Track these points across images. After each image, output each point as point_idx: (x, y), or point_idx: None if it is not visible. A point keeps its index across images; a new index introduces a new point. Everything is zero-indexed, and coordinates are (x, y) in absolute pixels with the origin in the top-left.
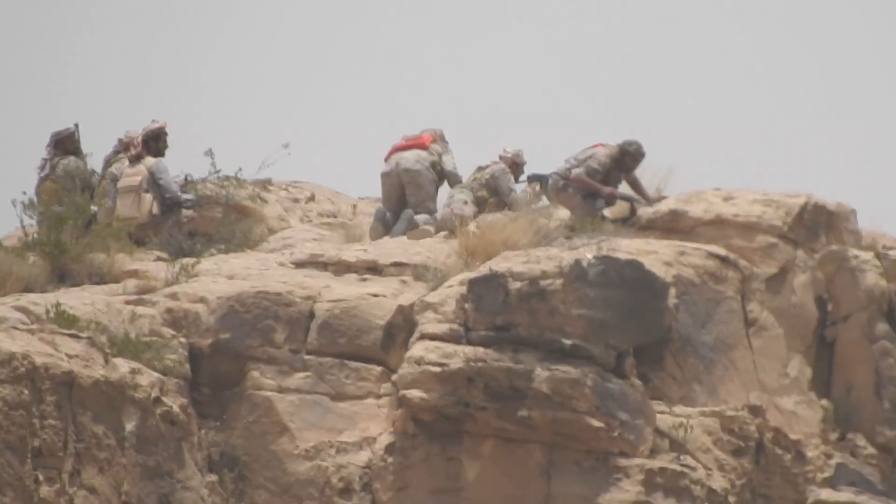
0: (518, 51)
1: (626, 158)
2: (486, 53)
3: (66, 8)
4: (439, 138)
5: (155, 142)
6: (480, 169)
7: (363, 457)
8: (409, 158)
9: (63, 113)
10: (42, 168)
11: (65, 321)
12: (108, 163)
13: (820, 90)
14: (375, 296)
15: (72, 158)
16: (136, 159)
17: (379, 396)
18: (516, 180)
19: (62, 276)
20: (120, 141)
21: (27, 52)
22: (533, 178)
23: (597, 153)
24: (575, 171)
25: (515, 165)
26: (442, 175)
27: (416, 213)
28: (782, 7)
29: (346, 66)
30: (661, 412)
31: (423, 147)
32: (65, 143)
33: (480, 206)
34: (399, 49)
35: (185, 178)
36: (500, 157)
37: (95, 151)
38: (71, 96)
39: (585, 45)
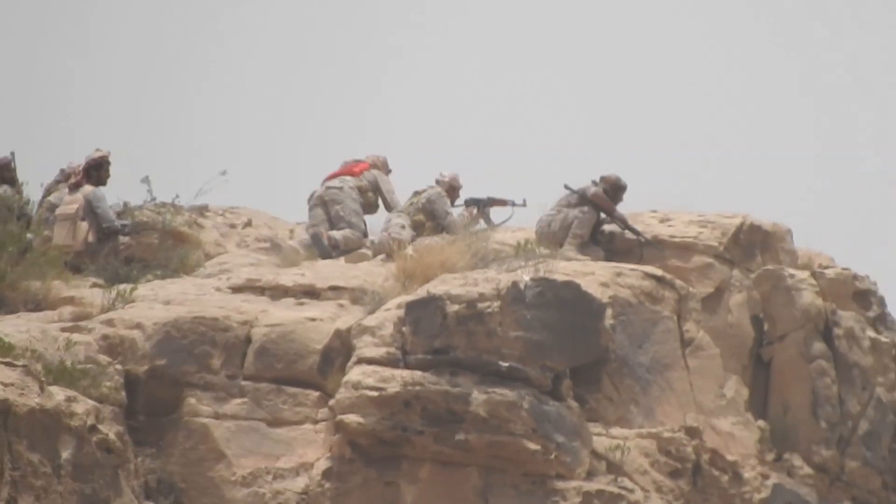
0: (458, 75)
1: (620, 194)
2: (425, 80)
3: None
4: (381, 165)
5: (97, 170)
6: (417, 193)
7: (300, 482)
8: (335, 182)
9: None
10: None
11: (0, 349)
12: (48, 191)
13: (754, 112)
14: (313, 320)
15: (5, 187)
16: (75, 188)
17: (316, 421)
18: (453, 204)
19: None
20: (62, 171)
21: None
22: (470, 203)
23: (590, 188)
24: (592, 190)
25: (452, 189)
26: (373, 202)
27: (339, 228)
28: (714, 30)
29: (280, 92)
30: (598, 434)
31: (352, 174)
32: (1, 172)
33: (418, 230)
34: (336, 75)
35: (124, 206)
36: (437, 182)
37: (34, 180)
38: (10, 125)
39: (522, 68)
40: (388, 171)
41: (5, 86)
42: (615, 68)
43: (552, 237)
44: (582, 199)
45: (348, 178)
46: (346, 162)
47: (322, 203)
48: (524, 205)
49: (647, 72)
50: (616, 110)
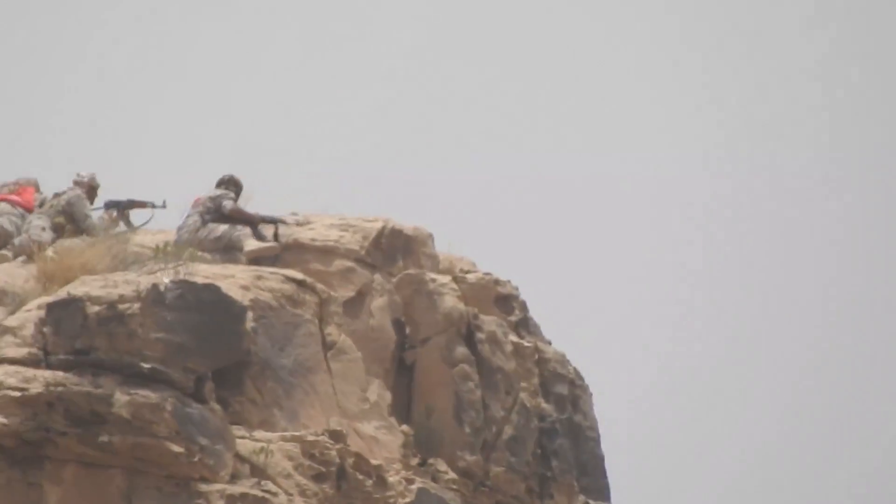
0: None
1: (238, 191)
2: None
3: None
4: (36, 187)
5: None
6: (57, 195)
7: None
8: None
9: None
10: None
11: None
12: None
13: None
14: None
15: None
16: None
17: None
18: (92, 204)
19: None
20: None
21: None
22: (110, 205)
23: (222, 194)
24: (227, 205)
25: (91, 189)
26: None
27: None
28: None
29: None
30: (242, 437)
31: (27, 207)
32: None
33: (58, 231)
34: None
35: None
36: (76, 182)
37: None
38: None
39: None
40: (39, 191)
41: None
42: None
43: (199, 246)
44: (220, 213)
45: (20, 208)
46: (10, 186)
47: None
48: (164, 206)
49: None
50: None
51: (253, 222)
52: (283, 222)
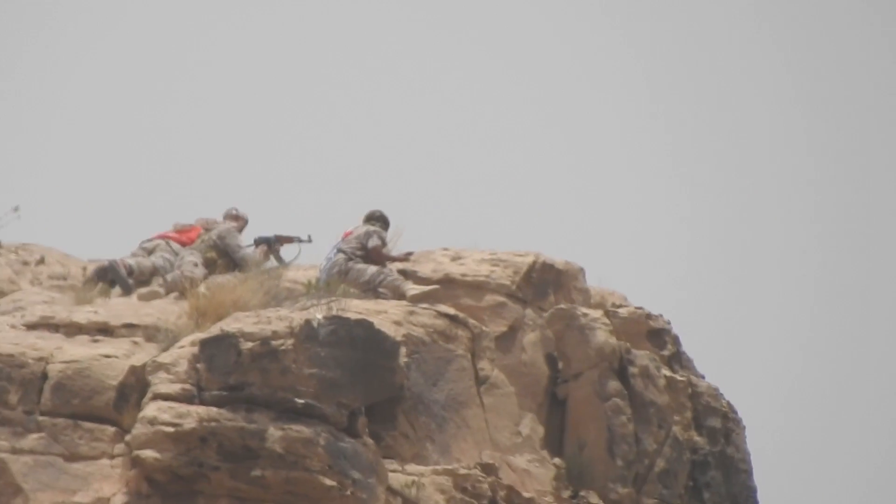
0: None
1: (386, 227)
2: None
3: None
4: (213, 225)
5: None
6: (207, 231)
7: None
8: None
9: None
10: None
11: None
12: None
13: (548, 150)
14: (108, 356)
15: None
16: None
17: (113, 457)
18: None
19: None
20: None
21: None
22: (260, 241)
23: (372, 232)
24: (370, 244)
25: (238, 221)
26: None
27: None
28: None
29: (75, 128)
30: (394, 471)
31: (183, 243)
32: None
33: (209, 267)
34: (133, 111)
35: None
36: (225, 217)
37: None
38: None
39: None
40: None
41: None
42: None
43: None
44: (364, 249)
45: (177, 244)
46: (177, 226)
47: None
48: (310, 240)
49: (435, 105)
50: (404, 144)
51: (383, 263)
52: (406, 260)
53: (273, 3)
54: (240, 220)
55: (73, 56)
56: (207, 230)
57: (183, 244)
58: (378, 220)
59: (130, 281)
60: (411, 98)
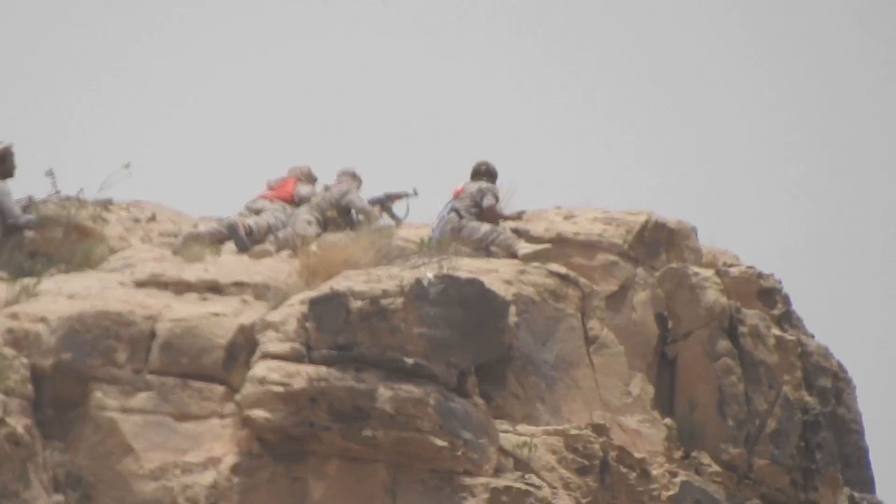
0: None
1: (494, 179)
2: (313, 73)
3: None
4: (305, 177)
5: (1, 163)
6: (327, 188)
7: (209, 477)
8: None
9: None
10: None
11: None
12: None
13: (659, 109)
14: (216, 315)
15: None
16: None
17: (223, 416)
18: None
19: None
20: None
21: None
22: (373, 202)
23: (486, 189)
24: (486, 203)
25: (356, 181)
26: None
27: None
28: (608, 30)
29: (186, 85)
30: (505, 431)
31: (284, 199)
32: None
33: (330, 224)
34: (234, 71)
35: (29, 200)
36: (340, 174)
37: None
38: None
39: (411, 64)
40: (313, 181)
41: None
42: (513, 62)
43: (460, 244)
44: (479, 208)
45: (280, 202)
46: (270, 183)
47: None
48: (416, 194)
49: (548, 63)
50: (518, 102)
51: (496, 222)
52: (518, 218)
53: None
54: (356, 180)
55: (189, 14)
56: (300, 180)
57: (282, 200)
58: (486, 174)
59: (249, 243)
60: (524, 57)
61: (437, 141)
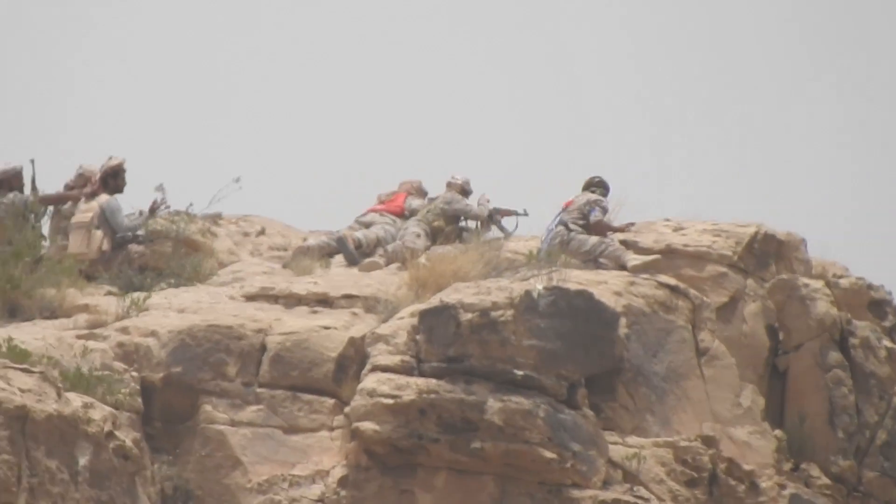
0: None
1: (606, 193)
2: (431, 89)
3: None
4: (416, 191)
5: (113, 179)
6: (432, 200)
7: (316, 490)
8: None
9: (13, 147)
10: None
11: (17, 356)
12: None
13: (768, 120)
14: (327, 328)
15: (14, 194)
16: (91, 196)
17: (332, 429)
18: None
19: (13, 312)
20: (80, 175)
21: None
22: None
23: (594, 201)
24: (593, 216)
25: (464, 193)
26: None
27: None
28: (726, 39)
29: (295, 99)
30: (614, 443)
31: (394, 212)
32: (10, 182)
33: (437, 235)
34: (347, 83)
35: (140, 213)
36: (449, 184)
37: (48, 187)
38: (19, 131)
39: (530, 77)
40: (424, 195)
41: (12, 91)
42: (625, 73)
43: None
44: (585, 219)
45: (390, 216)
46: (381, 197)
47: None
48: (526, 214)
49: (655, 74)
50: (626, 114)
51: (604, 234)
52: (627, 230)
53: None
54: (464, 191)
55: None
56: (411, 194)
57: (392, 213)
58: (598, 186)
59: (357, 256)
60: (627, 64)
61: (555, 155)
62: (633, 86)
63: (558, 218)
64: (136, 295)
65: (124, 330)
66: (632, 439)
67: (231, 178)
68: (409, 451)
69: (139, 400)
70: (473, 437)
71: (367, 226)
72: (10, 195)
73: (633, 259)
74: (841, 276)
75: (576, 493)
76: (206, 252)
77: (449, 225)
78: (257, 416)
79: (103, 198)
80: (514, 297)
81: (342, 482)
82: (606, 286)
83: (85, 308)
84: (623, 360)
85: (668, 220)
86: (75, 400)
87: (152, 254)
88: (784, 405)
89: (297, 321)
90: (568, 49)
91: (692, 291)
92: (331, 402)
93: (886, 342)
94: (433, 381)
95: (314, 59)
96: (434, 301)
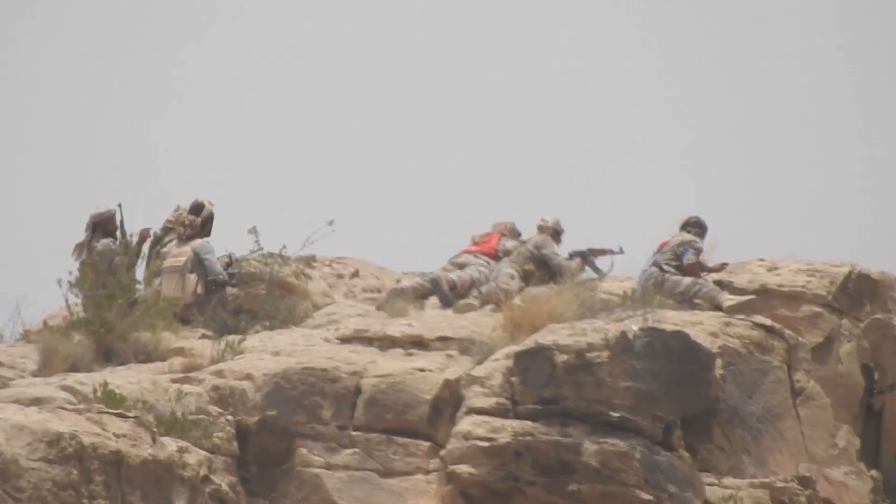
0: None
1: (703, 233)
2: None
3: (106, 95)
4: (509, 232)
5: (202, 227)
6: (523, 242)
7: None
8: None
9: (102, 190)
10: (79, 253)
11: (112, 400)
12: (158, 241)
13: (861, 158)
14: (422, 370)
15: (108, 240)
16: (186, 240)
17: (427, 472)
18: None
19: (108, 355)
20: (168, 221)
21: (66, 133)
22: (575, 255)
23: (688, 242)
24: (686, 259)
25: (556, 234)
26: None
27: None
28: (816, 72)
29: (388, 141)
30: (710, 484)
31: (488, 254)
32: (105, 225)
33: (527, 278)
34: (440, 124)
35: (230, 257)
36: (540, 227)
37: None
38: (108, 177)
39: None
40: (517, 236)
41: (101, 135)
42: (714, 115)
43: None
44: (678, 260)
45: (484, 257)
46: (475, 238)
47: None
48: (622, 252)
49: (748, 120)
50: (720, 157)
51: (698, 274)
52: (721, 271)
53: None
54: (556, 232)
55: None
56: (504, 235)
57: (486, 255)
58: (694, 226)
59: (452, 297)
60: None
61: (641, 197)
62: (716, 126)
63: (653, 259)
64: (230, 338)
65: (219, 373)
66: (728, 480)
67: (324, 221)
68: (505, 494)
69: (234, 444)
70: (570, 479)
71: (462, 267)
72: (101, 242)
73: (728, 299)
74: None
75: None
76: (300, 294)
77: (539, 270)
78: (353, 459)
79: (196, 242)
80: (609, 339)
81: None
82: (702, 327)
83: (180, 351)
84: (719, 401)
85: (762, 259)
86: (170, 444)
87: (246, 296)
88: (880, 445)
89: (391, 363)
90: (680, 97)
91: (787, 331)
92: (426, 444)
93: None
94: (528, 423)
95: (408, 102)
96: (529, 342)
